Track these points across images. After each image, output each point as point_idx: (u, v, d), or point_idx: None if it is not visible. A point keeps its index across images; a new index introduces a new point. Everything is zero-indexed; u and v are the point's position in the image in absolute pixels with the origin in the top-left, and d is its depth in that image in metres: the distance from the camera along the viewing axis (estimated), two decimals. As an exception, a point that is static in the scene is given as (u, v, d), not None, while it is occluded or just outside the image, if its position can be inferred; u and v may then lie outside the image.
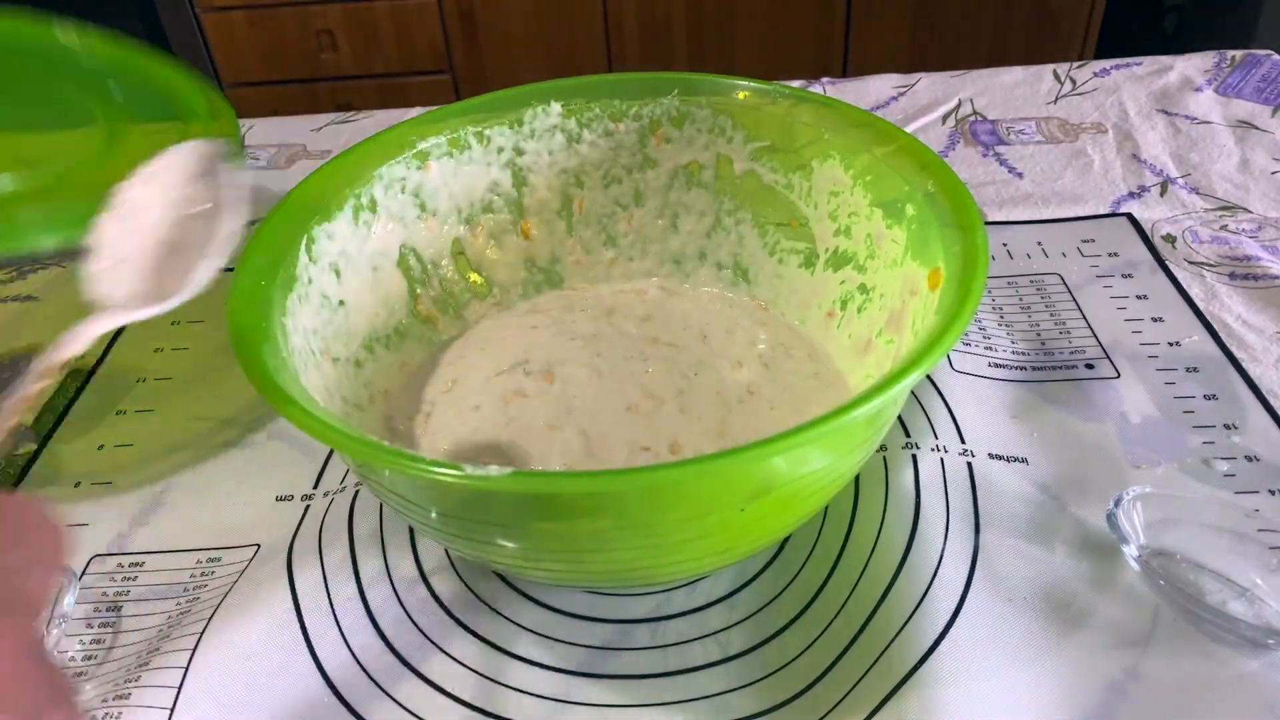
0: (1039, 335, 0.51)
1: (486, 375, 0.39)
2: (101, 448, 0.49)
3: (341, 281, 0.41)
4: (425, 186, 0.44)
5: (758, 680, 0.36)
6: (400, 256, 0.44)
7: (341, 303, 0.41)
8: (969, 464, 0.43)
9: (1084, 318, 0.52)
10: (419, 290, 0.44)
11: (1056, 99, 0.74)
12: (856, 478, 0.42)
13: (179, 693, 0.36)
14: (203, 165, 0.36)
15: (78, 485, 0.47)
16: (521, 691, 0.36)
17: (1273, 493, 0.41)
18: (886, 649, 0.35)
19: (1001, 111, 0.73)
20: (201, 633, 0.38)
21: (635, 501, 0.29)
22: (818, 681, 0.36)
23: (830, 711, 0.35)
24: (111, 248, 0.34)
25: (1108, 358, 0.49)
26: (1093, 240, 0.58)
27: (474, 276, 0.45)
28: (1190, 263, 0.56)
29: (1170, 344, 0.50)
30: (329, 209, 0.41)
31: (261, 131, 0.80)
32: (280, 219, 0.39)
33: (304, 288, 0.38)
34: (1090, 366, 0.48)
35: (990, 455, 0.43)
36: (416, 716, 0.36)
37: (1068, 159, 0.67)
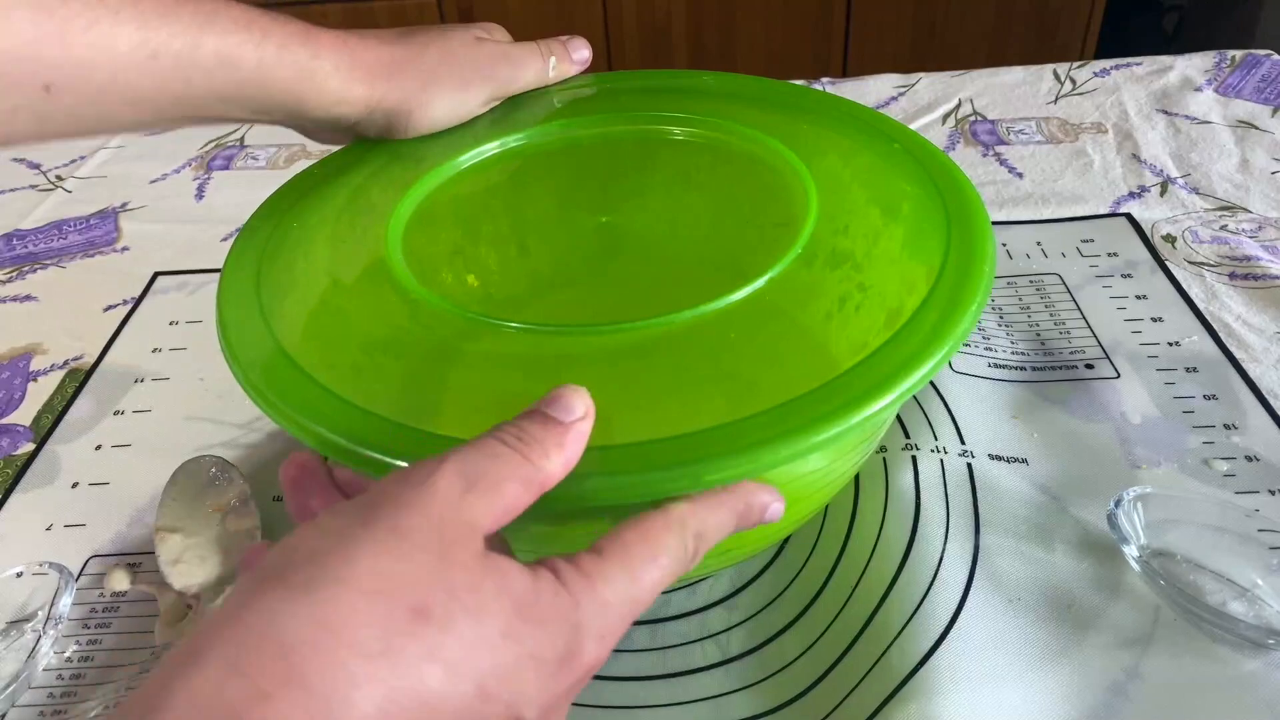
0: (1039, 335, 0.51)
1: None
2: (99, 448, 0.49)
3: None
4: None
5: (758, 682, 0.36)
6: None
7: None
8: (969, 465, 0.43)
9: (1084, 318, 0.52)
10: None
11: (1056, 99, 0.74)
12: (856, 479, 0.42)
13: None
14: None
15: (75, 486, 0.47)
16: (520, 692, 0.36)
17: (1273, 493, 0.41)
18: (887, 650, 0.35)
19: (1001, 111, 0.73)
20: (199, 634, 0.38)
21: (635, 505, 0.29)
22: (818, 683, 0.36)
23: (830, 713, 0.34)
24: None
25: (1108, 358, 0.49)
26: (1092, 240, 0.58)
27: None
28: (1190, 263, 0.55)
29: (1170, 344, 0.49)
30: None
31: (261, 131, 0.80)
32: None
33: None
34: (1090, 366, 0.48)
35: (990, 456, 0.43)
36: (415, 717, 0.35)
37: (1068, 159, 0.66)
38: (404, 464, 0.28)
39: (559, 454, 0.25)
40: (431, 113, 0.43)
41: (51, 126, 0.36)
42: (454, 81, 0.43)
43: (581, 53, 0.48)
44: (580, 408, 0.26)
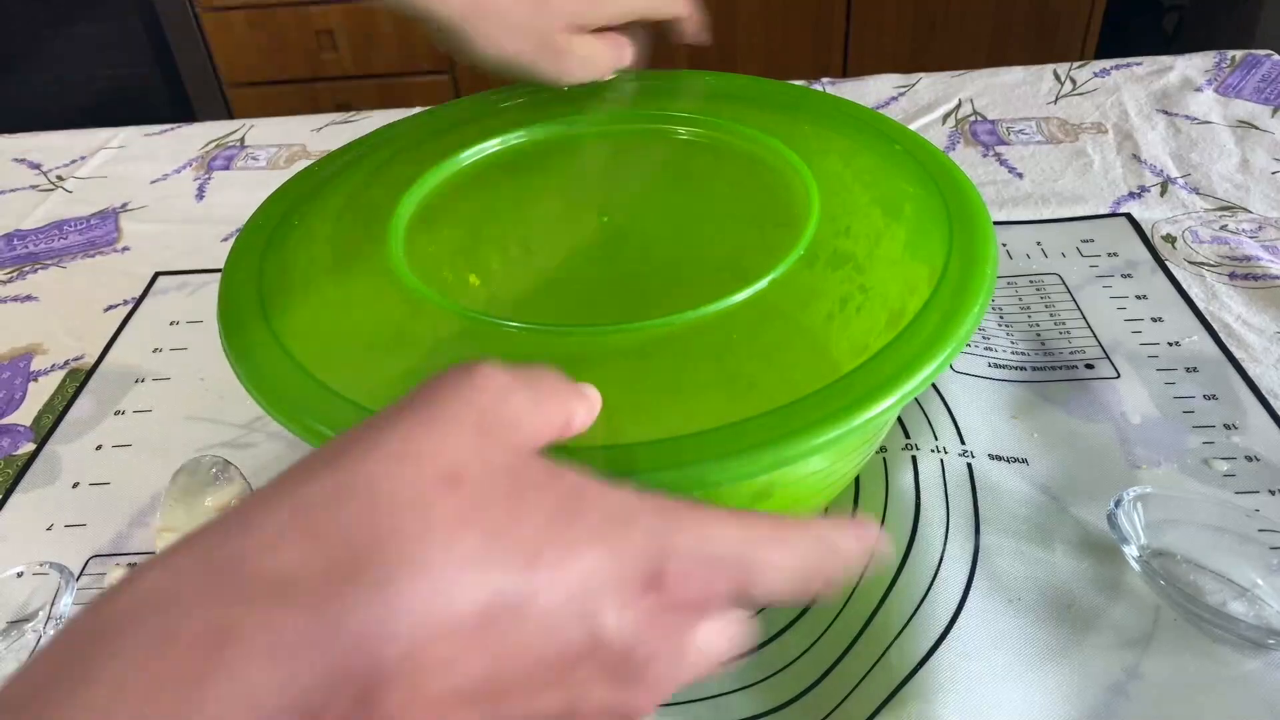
0: (1039, 335, 0.51)
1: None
2: (100, 448, 0.49)
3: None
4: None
5: (758, 681, 0.36)
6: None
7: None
8: (969, 465, 0.43)
9: (1084, 318, 0.52)
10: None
11: (1056, 99, 0.74)
12: (856, 480, 0.42)
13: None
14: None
15: (76, 486, 0.47)
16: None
17: (1273, 493, 0.41)
18: (887, 650, 0.35)
19: (1001, 111, 0.73)
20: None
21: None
22: (818, 683, 0.36)
23: (831, 713, 0.34)
24: None
25: (1108, 358, 0.49)
26: (1092, 240, 0.58)
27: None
28: (1190, 263, 0.55)
29: (1170, 344, 0.49)
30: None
31: (261, 131, 0.80)
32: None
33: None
34: (1090, 366, 0.48)
35: (990, 456, 0.43)
36: (416, 717, 0.35)
37: (1068, 159, 0.66)
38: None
39: (581, 406, 0.24)
40: (475, 57, 0.43)
41: None
42: (520, 55, 0.43)
43: (624, 51, 0.47)
44: (588, 388, 0.25)
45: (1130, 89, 0.74)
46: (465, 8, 0.42)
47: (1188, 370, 0.48)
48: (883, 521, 0.40)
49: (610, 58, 0.46)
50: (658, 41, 0.48)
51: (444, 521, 0.18)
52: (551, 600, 0.18)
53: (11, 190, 0.75)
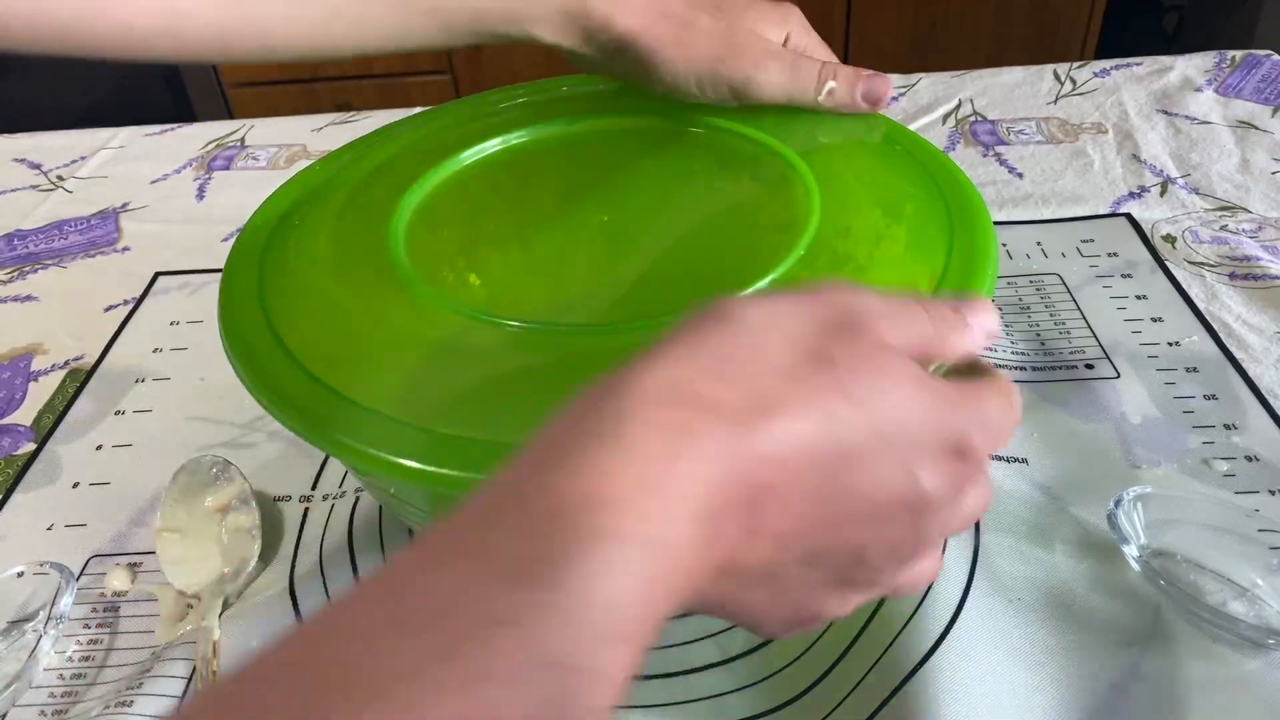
0: (1039, 335, 0.51)
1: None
2: (100, 448, 0.49)
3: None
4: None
5: (758, 681, 0.36)
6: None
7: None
8: (969, 464, 0.43)
9: (1084, 318, 0.52)
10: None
11: (1056, 99, 0.74)
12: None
13: (181, 700, 0.36)
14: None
15: (76, 486, 0.47)
16: (521, 692, 0.36)
17: (1273, 493, 0.41)
18: (887, 650, 0.35)
19: (1001, 111, 0.73)
20: (200, 633, 0.38)
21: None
22: (818, 683, 0.36)
23: (831, 713, 0.34)
24: None
25: (1108, 358, 0.49)
26: (1092, 240, 0.58)
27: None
28: (1190, 263, 0.56)
29: (1170, 344, 0.50)
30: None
31: (261, 131, 0.80)
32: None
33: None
34: (1090, 366, 0.48)
35: (990, 456, 0.43)
36: (416, 717, 0.35)
37: (1068, 159, 0.66)
38: (406, 462, 0.28)
39: (960, 333, 0.27)
40: (660, 72, 0.42)
41: (369, 32, 0.43)
42: (712, 58, 0.42)
43: (865, 87, 0.42)
44: (976, 316, 0.27)
45: (1130, 89, 0.74)
46: (643, 18, 0.42)
47: (1188, 370, 0.48)
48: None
49: (815, 70, 0.42)
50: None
51: (823, 390, 0.23)
52: (885, 456, 0.23)
53: (11, 190, 0.75)
